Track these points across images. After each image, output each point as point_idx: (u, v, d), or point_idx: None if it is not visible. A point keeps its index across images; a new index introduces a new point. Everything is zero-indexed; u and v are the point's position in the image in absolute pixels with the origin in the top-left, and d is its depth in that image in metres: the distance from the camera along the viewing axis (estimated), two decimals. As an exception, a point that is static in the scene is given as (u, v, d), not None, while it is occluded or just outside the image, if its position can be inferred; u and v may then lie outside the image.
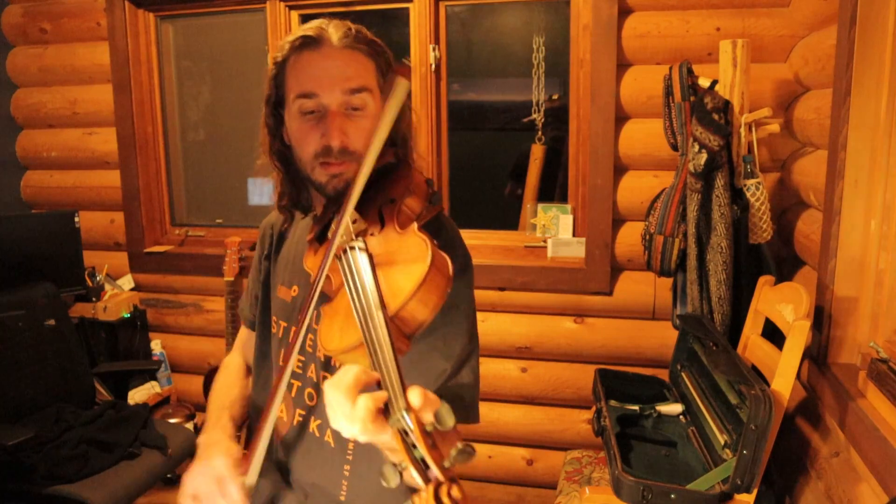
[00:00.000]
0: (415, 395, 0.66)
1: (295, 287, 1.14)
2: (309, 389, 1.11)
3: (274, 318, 1.16)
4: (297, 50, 1.00)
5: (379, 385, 0.70)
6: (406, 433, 0.65)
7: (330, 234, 0.93)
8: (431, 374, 0.98)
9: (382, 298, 0.76)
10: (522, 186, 2.91)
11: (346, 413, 0.68)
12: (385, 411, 0.67)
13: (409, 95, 1.07)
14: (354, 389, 0.69)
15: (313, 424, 1.11)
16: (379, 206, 0.94)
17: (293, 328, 1.11)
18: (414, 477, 0.63)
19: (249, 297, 1.28)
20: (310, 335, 1.10)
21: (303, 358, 1.11)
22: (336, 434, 1.09)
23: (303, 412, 1.12)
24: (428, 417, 0.65)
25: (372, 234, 0.90)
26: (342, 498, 1.11)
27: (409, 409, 0.65)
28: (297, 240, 1.17)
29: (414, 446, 0.64)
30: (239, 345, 1.33)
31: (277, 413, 0.97)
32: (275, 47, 1.05)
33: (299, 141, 1.02)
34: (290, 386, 1.13)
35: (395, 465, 0.65)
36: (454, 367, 0.99)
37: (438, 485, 0.61)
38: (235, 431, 1.11)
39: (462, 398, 0.99)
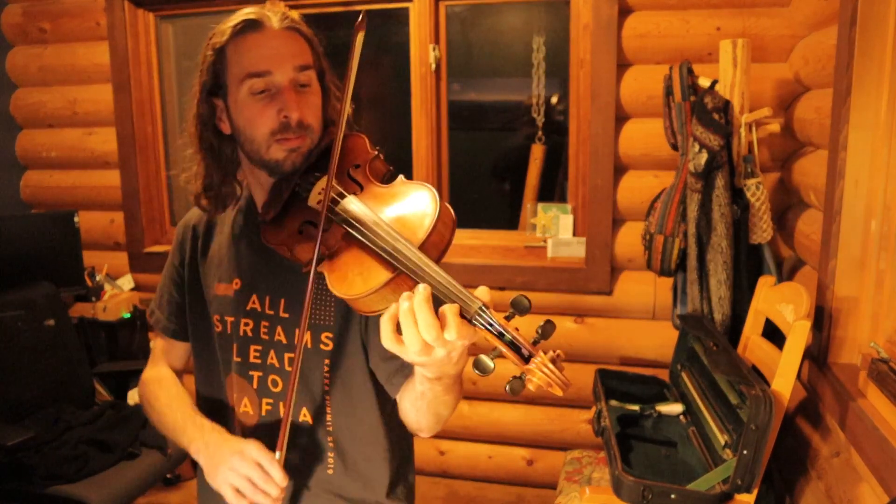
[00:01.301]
0: (483, 292, 0.75)
1: (236, 280, 1.13)
2: (272, 376, 1.12)
3: (216, 316, 1.15)
4: (240, 33, 1.01)
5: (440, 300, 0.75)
6: (491, 325, 0.73)
7: (311, 203, 0.97)
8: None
9: (402, 235, 0.81)
10: (509, 182, 2.91)
11: (436, 334, 0.72)
12: (463, 315, 0.73)
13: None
14: (430, 309, 0.73)
15: (283, 409, 1.11)
16: (346, 171, 0.98)
17: (242, 319, 1.12)
18: (510, 357, 0.72)
19: (165, 308, 1.25)
20: (264, 322, 1.11)
21: (259, 347, 1.12)
22: (313, 410, 1.11)
23: (269, 401, 1.12)
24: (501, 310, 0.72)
25: (355, 194, 0.93)
26: (329, 472, 1.12)
27: (485, 305, 0.73)
28: (227, 237, 1.16)
29: (502, 334, 0.73)
30: (160, 355, 1.29)
31: (295, 383, 0.99)
32: (213, 35, 1.05)
33: (251, 121, 1.02)
34: (249, 378, 1.12)
35: (487, 354, 0.72)
36: None
37: (545, 351, 0.71)
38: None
39: None
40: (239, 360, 1.13)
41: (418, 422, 1.02)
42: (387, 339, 0.76)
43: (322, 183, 0.98)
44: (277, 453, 1.00)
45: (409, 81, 2.63)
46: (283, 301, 1.10)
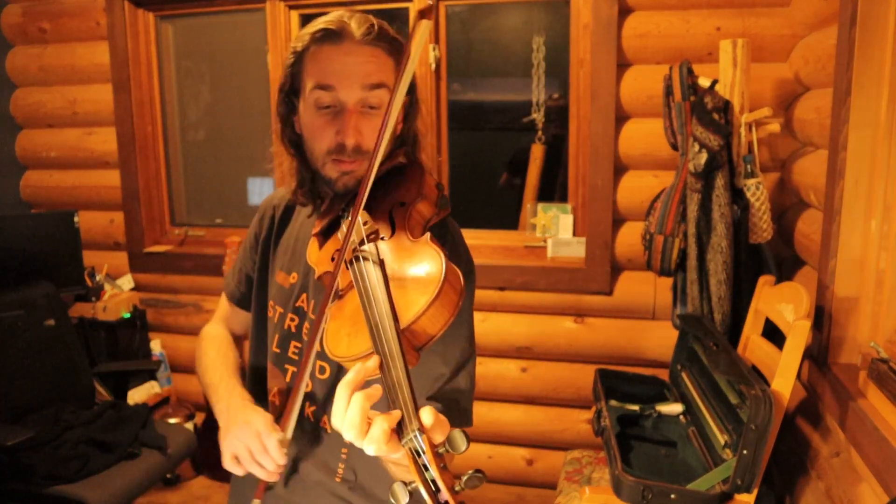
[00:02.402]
0: (427, 415, 0.67)
1: (294, 274, 1.13)
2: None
3: (271, 302, 1.16)
4: (318, 42, 0.98)
5: (390, 400, 0.70)
6: (418, 454, 0.66)
7: (340, 235, 0.94)
8: (429, 377, 0.98)
9: (395, 311, 0.76)
10: (520, 179, 2.91)
11: (358, 431, 0.68)
12: (398, 429, 0.68)
13: (415, 96, 1.07)
14: (363, 404, 0.69)
15: (308, 410, 1.11)
16: (389, 208, 0.93)
17: (289, 315, 1.12)
18: (424, 497, 0.64)
19: (237, 274, 1.26)
20: (306, 324, 1.11)
21: (299, 345, 1.12)
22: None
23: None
24: (439, 438, 0.66)
25: (383, 238, 0.89)
26: (338, 479, 1.12)
27: (421, 429, 0.66)
28: (300, 227, 1.16)
29: (426, 467, 0.65)
30: (222, 316, 1.31)
31: (309, 373, 0.98)
32: (296, 38, 1.02)
33: (312, 134, 1.01)
34: (284, 371, 1.13)
35: (405, 483, 0.66)
36: (452, 372, 1.00)
37: None
38: (251, 399, 1.10)
39: (458, 402, 1.00)
40: (278, 351, 1.14)
41: None
42: (334, 416, 0.73)
43: (360, 216, 0.92)
44: (281, 433, 1.00)
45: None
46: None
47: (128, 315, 2.88)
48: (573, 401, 2.58)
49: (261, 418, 1.01)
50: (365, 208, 0.92)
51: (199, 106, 3.07)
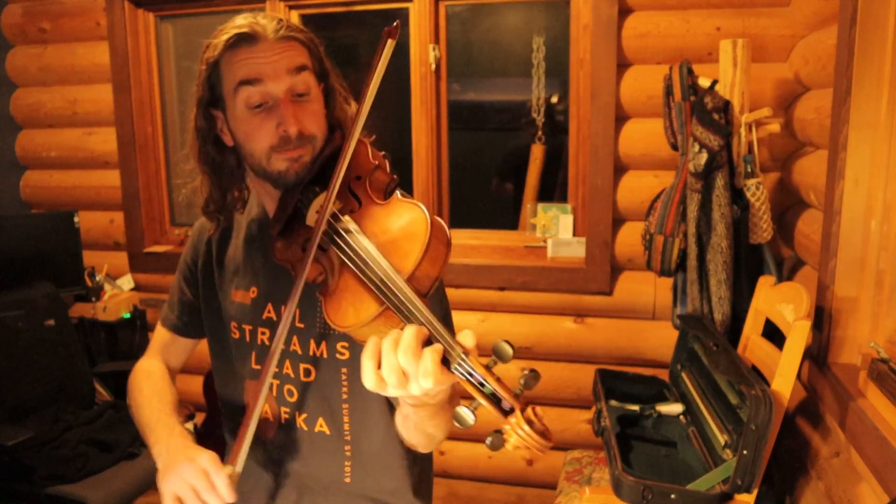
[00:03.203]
0: (468, 338, 0.72)
1: (253, 289, 1.12)
2: (288, 386, 1.11)
3: (234, 323, 1.15)
4: (233, 47, 0.98)
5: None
6: (471, 374, 0.70)
7: (309, 222, 0.95)
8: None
9: (394, 264, 0.79)
10: (512, 182, 2.91)
11: (413, 371, 0.71)
12: (444, 361, 0.71)
13: (329, 83, 1.07)
14: (419, 349, 0.71)
15: (300, 420, 1.11)
16: (347, 184, 0.95)
17: (260, 329, 1.11)
18: (490, 410, 0.68)
19: (176, 304, 1.25)
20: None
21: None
22: (331, 421, 1.10)
23: (287, 409, 1.12)
24: (483, 356, 0.70)
25: (353, 211, 0.91)
26: (347, 480, 1.12)
27: (466, 352, 0.70)
28: (242, 243, 1.15)
29: (482, 384, 0.69)
30: (157, 349, 1.28)
31: (262, 407, 0.97)
32: (207, 49, 1.03)
33: (249, 136, 1.00)
34: (269, 386, 1.11)
35: (467, 406, 0.70)
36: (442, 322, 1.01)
37: (523, 408, 0.68)
38: (192, 439, 1.07)
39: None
40: (258, 367, 1.12)
41: (409, 440, 1.01)
42: (368, 379, 0.74)
43: (320, 199, 0.96)
44: (230, 468, 0.97)
45: (409, 81, 2.63)
46: (297, 311, 1.09)
47: (128, 315, 2.88)
48: (573, 401, 2.58)
49: (206, 455, 0.97)
50: (323, 191, 0.95)
51: (199, 106, 3.07)
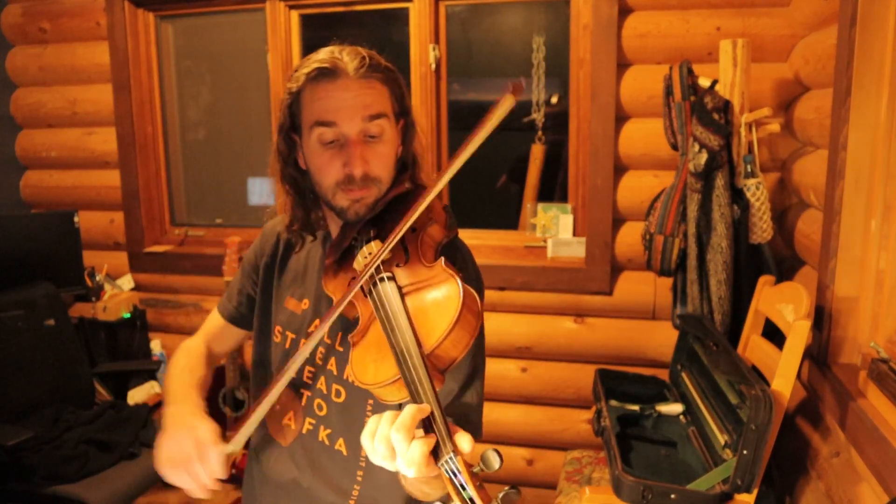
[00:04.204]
0: (464, 442, 0.72)
1: (305, 301, 1.15)
2: (318, 400, 1.12)
3: (278, 328, 1.17)
4: (314, 80, 1.00)
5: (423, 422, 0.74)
6: (455, 474, 0.70)
7: (356, 265, 0.97)
8: (440, 392, 0.99)
9: (418, 336, 0.79)
10: (518, 184, 2.91)
11: (402, 454, 0.72)
12: (434, 452, 0.71)
13: (411, 118, 1.10)
14: (412, 431, 0.73)
15: (323, 434, 1.12)
16: (402, 236, 0.95)
17: (302, 340, 1.13)
18: None
19: (237, 294, 1.27)
20: (320, 349, 1.11)
21: (313, 369, 1.12)
22: (349, 443, 1.11)
23: (312, 421, 1.13)
24: (474, 459, 0.71)
25: (398, 265, 0.92)
26: (352, 502, 1.13)
27: (456, 451, 0.70)
28: (307, 254, 1.18)
29: (463, 487, 0.70)
30: (207, 332, 1.30)
31: (276, 398, 0.97)
32: (292, 79, 1.03)
33: (319, 169, 1.03)
34: (300, 395, 1.13)
35: (442, 502, 0.71)
36: (461, 387, 1.02)
37: None
38: (204, 410, 1.08)
39: (468, 417, 1.02)
40: (294, 375, 1.13)
41: (406, 488, 1.01)
42: (364, 440, 0.77)
43: (372, 246, 0.97)
44: (228, 446, 0.97)
45: (409, 81, 2.63)
46: (340, 334, 1.10)
47: (128, 315, 2.88)
48: (573, 401, 2.58)
49: (206, 427, 0.98)
50: (377, 237, 0.97)
51: (199, 106, 3.07)
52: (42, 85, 2.99)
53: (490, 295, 2.59)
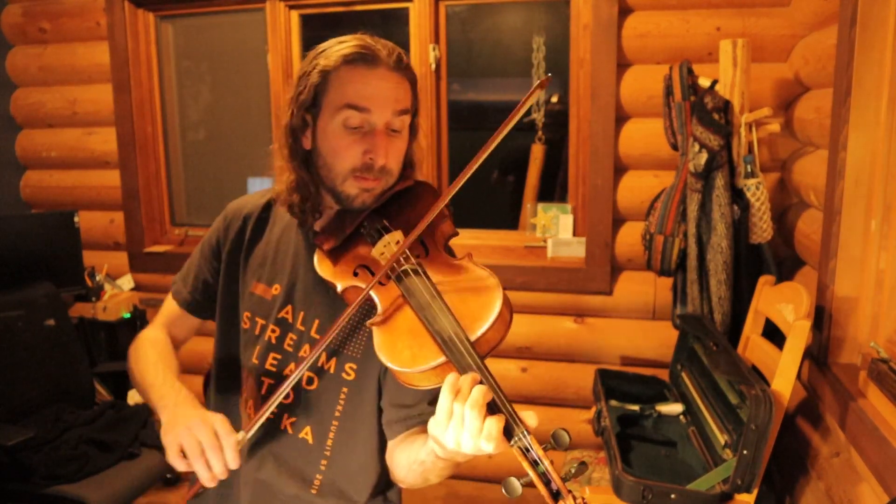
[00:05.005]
0: (531, 419, 0.77)
1: (276, 286, 1.13)
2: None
3: (247, 314, 1.15)
4: (351, 63, 1.00)
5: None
6: (527, 450, 0.75)
7: (375, 254, 0.99)
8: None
9: (461, 323, 0.83)
10: (513, 176, 2.91)
11: (476, 430, 0.76)
12: (505, 431, 0.76)
13: (416, 118, 1.11)
14: (483, 408, 0.76)
15: (286, 421, 1.11)
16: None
17: (270, 326, 1.12)
18: (539, 488, 0.74)
19: (192, 280, 1.22)
20: (292, 335, 1.11)
21: (279, 356, 1.11)
22: (317, 431, 1.11)
23: (275, 410, 1.10)
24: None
25: (418, 257, 0.95)
26: (314, 492, 1.12)
27: (528, 430, 0.75)
28: (278, 239, 1.16)
29: (536, 462, 0.74)
30: (164, 320, 1.25)
31: (288, 389, 1.00)
32: (323, 56, 1.02)
33: (336, 151, 1.02)
34: (260, 383, 1.12)
35: (518, 478, 0.75)
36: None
37: (575, 498, 0.72)
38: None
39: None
40: (256, 362, 1.13)
41: (405, 479, 1.03)
42: (431, 425, 0.81)
43: (391, 237, 1.00)
44: (242, 433, 0.98)
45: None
46: (317, 322, 1.10)
47: (128, 315, 2.88)
48: (573, 401, 2.58)
49: (219, 417, 0.97)
50: (391, 227, 1.01)
51: (199, 106, 3.07)
52: (42, 85, 2.99)
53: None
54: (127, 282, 3.01)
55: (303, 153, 1.07)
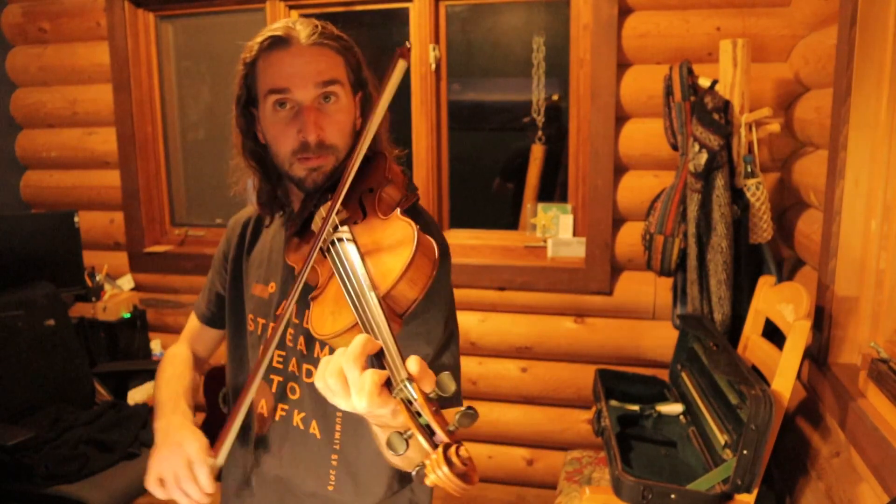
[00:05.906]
0: (413, 364, 0.68)
1: (272, 284, 1.14)
2: (291, 384, 1.11)
3: (251, 316, 1.16)
4: (267, 49, 1.01)
5: (378, 361, 0.72)
6: (410, 402, 0.67)
7: (314, 227, 0.96)
8: (400, 336, 1.00)
9: (373, 280, 0.79)
10: (514, 183, 2.91)
11: (354, 383, 0.69)
12: (388, 384, 0.69)
13: (368, 91, 1.09)
14: (361, 358, 0.70)
15: (297, 418, 1.11)
16: (359, 195, 0.97)
17: (271, 324, 1.12)
18: (420, 442, 0.65)
19: (207, 294, 1.28)
20: (290, 329, 1.11)
21: (283, 353, 1.12)
22: (323, 425, 1.10)
23: (285, 407, 1.12)
24: (429, 386, 0.67)
25: (355, 223, 0.92)
26: (330, 488, 1.12)
27: (410, 378, 0.67)
28: (272, 238, 1.18)
29: (418, 414, 0.66)
30: (188, 336, 1.31)
31: (251, 398, 0.99)
32: (245, 49, 1.06)
33: (275, 138, 1.02)
34: (269, 381, 1.13)
35: (401, 433, 0.66)
36: (436, 352, 1.01)
37: (447, 446, 0.63)
38: (193, 418, 1.10)
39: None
40: (265, 367, 1.13)
41: (389, 459, 0.99)
42: (316, 378, 0.75)
43: (325, 208, 0.97)
44: (211, 459, 0.99)
45: (409, 81, 2.63)
46: (307, 311, 1.09)
47: (128, 315, 2.88)
48: (573, 401, 2.58)
49: (195, 443, 1.00)
50: (324, 203, 0.97)
51: (199, 106, 3.07)
52: (42, 85, 2.99)
53: (490, 295, 2.59)
54: (127, 282, 3.01)
55: (261, 149, 1.08)
